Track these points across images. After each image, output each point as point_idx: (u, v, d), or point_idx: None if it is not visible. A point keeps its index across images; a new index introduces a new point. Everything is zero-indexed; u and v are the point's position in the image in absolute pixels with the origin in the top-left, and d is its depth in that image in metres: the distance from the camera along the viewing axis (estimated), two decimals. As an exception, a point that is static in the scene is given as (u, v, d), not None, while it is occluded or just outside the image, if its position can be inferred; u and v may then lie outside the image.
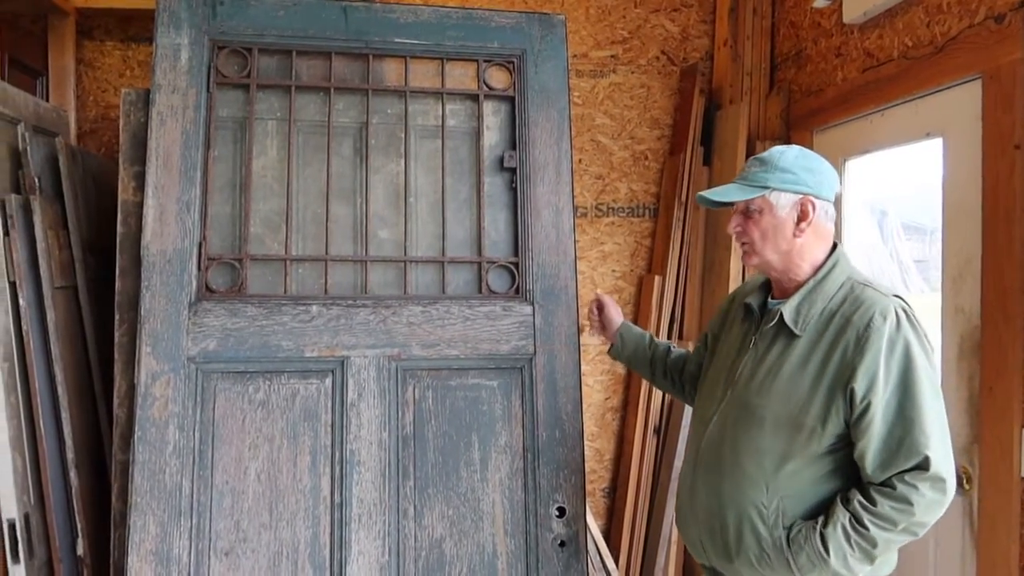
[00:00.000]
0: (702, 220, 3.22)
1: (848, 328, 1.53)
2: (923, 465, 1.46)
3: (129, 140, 2.09)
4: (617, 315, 2.15)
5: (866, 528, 1.48)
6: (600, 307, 2.16)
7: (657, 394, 3.18)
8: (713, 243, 3.16)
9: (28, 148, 2.19)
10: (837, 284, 1.61)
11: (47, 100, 2.87)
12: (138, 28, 3.07)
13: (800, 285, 1.64)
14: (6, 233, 2.10)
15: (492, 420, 2.09)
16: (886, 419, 1.49)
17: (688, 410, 3.08)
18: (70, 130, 2.83)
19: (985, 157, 2.01)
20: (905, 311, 1.54)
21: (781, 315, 1.62)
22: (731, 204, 1.72)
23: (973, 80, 2.08)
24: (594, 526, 3.04)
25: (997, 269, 1.96)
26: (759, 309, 1.73)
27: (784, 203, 1.62)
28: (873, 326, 1.50)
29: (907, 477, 1.47)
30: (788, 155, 1.64)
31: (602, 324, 2.16)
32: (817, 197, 1.62)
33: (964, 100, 2.11)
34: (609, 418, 3.34)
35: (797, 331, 1.60)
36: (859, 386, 1.49)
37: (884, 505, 1.48)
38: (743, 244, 1.70)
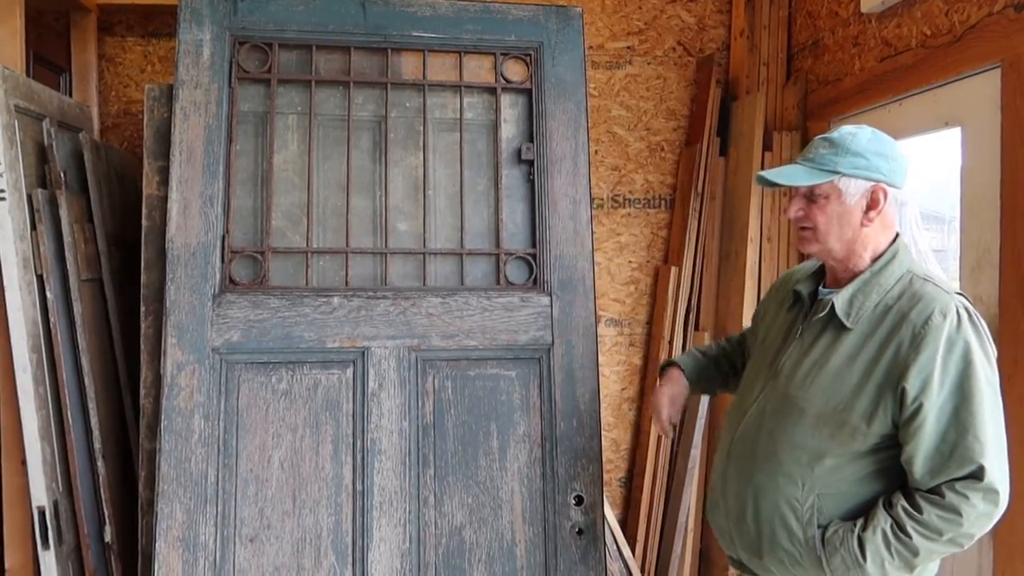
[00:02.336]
0: (718, 211, 3.22)
1: (904, 324, 1.44)
2: (977, 474, 1.38)
3: (153, 135, 2.13)
4: (681, 384, 1.98)
5: (908, 536, 1.41)
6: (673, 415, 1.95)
7: (674, 384, 3.19)
8: (729, 234, 3.17)
9: (53, 143, 2.23)
10: (895, 277, 1.52)
11: (70, 96, 2.91)
12: (158, 24, 3.11)
13: (856, 275, 1.55)
14: (33, 227, 2.14)
15: (511, 410, 2.11)
16: (939, 423, 1.40)
17: (704, 399, 3.09)
18: (93, 125, 2.87)
19: (1004, 146, 2.00)
20: (967, 310, 1.45)
21: (832, 306, 1.53)
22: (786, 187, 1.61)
23: (992, 69, 2.07)
24: (611, 515, 3.06)
25: (1015, 258, 1.96)
26: (809, 298, 1.64)
27: (854, 190, 1.51)
28: (931, 324, 1.41)
29: (958, 486, 1.39)
30: (860, 138, 1.53)
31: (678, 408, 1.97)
32: (890, 185, 1.52)
33: (983, 89, 2.10)
34: (625, 408, 3.36)
35: (848, 324, 1.51)
36: (911, 386, 1.40)
37: (931, 513, 1.39)
38: (803, 230, 1.59)
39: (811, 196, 1.56)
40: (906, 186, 1.57)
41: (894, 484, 1.49)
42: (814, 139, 1.60)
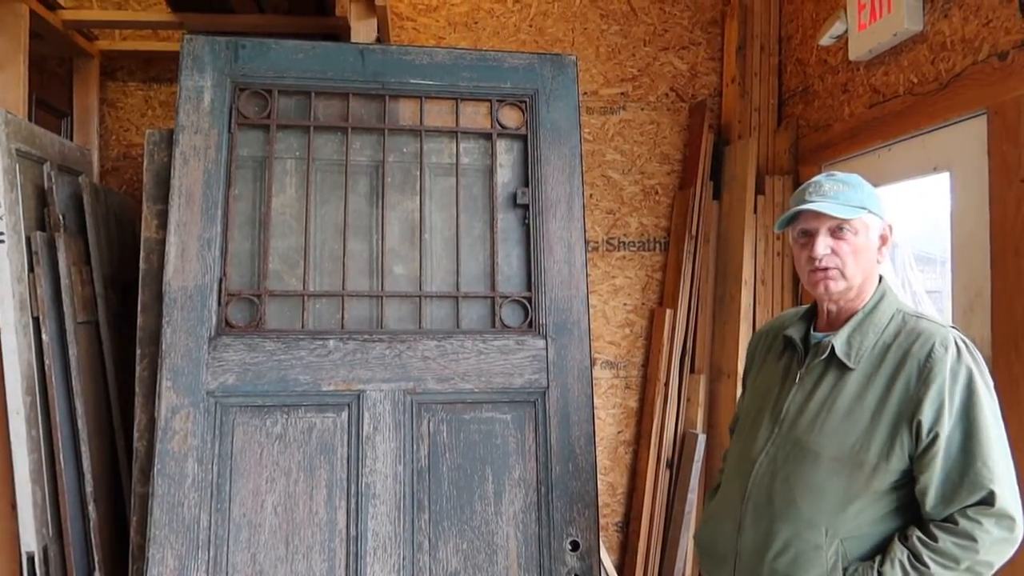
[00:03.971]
0: (712, 254, 3.24)
1: (908, 360, 1.48)
2: (988, 500, 1.39)
3: (152, 179, 2.15)
4: None
5: (926, 566, 1.41)
6: None
7: (669, 428, 3.18)
8: (723, 277, 3.19)
9: (53, 187, 2.26)
10: (887, 316, 1.56)
11: (71, 139, 2.95)
12: (159, 69, 3.17)
13: (849, 316, 1.58)
14: (31, 269, 2.15)
15: (506, 453, 2.10)
16: (948, 451, 1.42)
17: (701, 442, 3.08)
18: (93, 168, 2.90)
19: (992, 191, 2.03)
20: (964, 341, 1.49)
21: (832, 348, 1.55)
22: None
23: (978, 116, 2.11)
24: (607, 560, 3.03)
25: (1007, 301, 1.97)
26: (801, 342, 1.66)
27: (874, 226, 1.57)
28: (935, 356, 1.45)
29: (970, 512, 1.40)
30: (862, 180, 1.59)
31: None
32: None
33: (970, 135, 2.14)
34: (622, 452, 3.34)
35: (851, 364, 1.53)
36: (926, 418, 1.43)
37: (946, 541, 1.41)
38: (826, 271, 1.57)
39: (838, 233, 1.56)
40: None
41: (910, 521, 1.50)
42: (816, 181, 1.60)
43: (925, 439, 1.43)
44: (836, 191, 1.57)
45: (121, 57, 3.13)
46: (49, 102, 2.93)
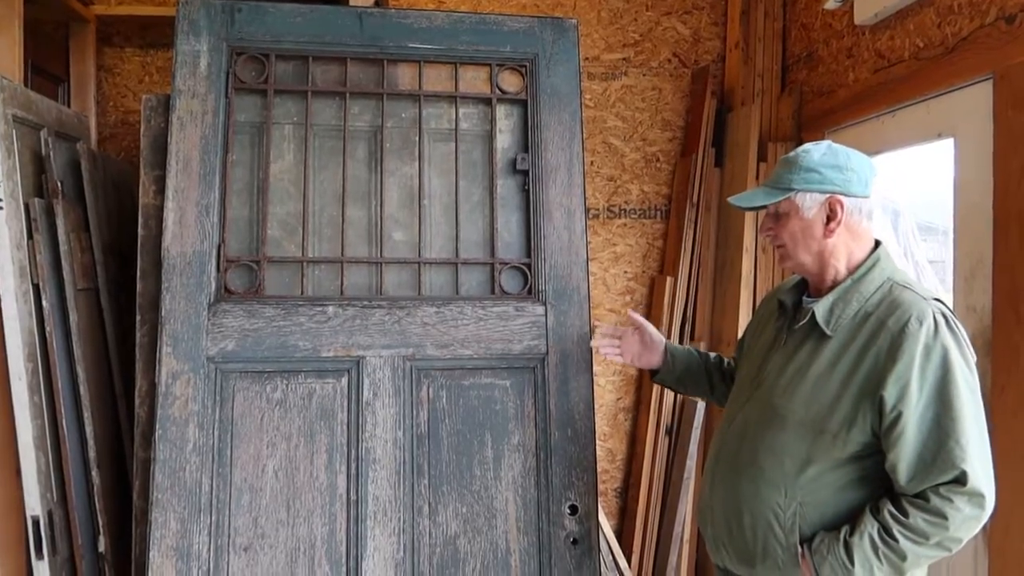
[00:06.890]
0: (713, 221, 3.23)
1: (882, 332, 1.47)
2: (960, 479, 1.40)
3: (150, 145, 2.13)
4: (659, 334, 2.04)
5: (895, 540, 1.43)
6: (637, 327, 2.03)
7: (669, 395, 3.19)
8: (724, 244, 3.18)
9: (51, 153, 2.24)
10: (875, 285, 1.55)
11: (68, 106, 2.92)
12: (156, 34, 3.13)
13: (836, 284, 1.59)
14: (30, 236, 2.15)
15: (505, 419, 2.11)
16: (920, 430, 1.42)
17: (700, 409, 3.09)
18: (91, 135, 2.88)
19: (996, 157, 2.02)
20: (944, 315, 1.47)
21: (813, 314, 1.57)
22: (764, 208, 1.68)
23: (984, 80, 2.08)
24: (606, 525, 3.06)
25: (1008, 269, 1.96)
26: (792, 308, 1.69)
27: (810, 204, 1.57)
28: (908, 331, 1.44)
29: (942, 490, 1.41)
30: (814, 154, 1.59)
31: (643, 344, 2.03)
32: (846, 195, 1.56)
33: (975, 100, 2.12)
34: (621, 418, 3.36)
35: (828, 331, 1.54)
36: (889, 394, 1.43)
37: (916, 518, 1.42)
38: (777, 248, 1.66)
39: (776, 215, 1.64)
40: (874, 195, 1.61)
41: (875, 492, 1.51)
42: (779, 160, 1.69)
43: (889, 416, 1.43)
44: (777, 173, 1.64)
45: (117, 22, 3.09)
46: (45, 68, 2.90)
